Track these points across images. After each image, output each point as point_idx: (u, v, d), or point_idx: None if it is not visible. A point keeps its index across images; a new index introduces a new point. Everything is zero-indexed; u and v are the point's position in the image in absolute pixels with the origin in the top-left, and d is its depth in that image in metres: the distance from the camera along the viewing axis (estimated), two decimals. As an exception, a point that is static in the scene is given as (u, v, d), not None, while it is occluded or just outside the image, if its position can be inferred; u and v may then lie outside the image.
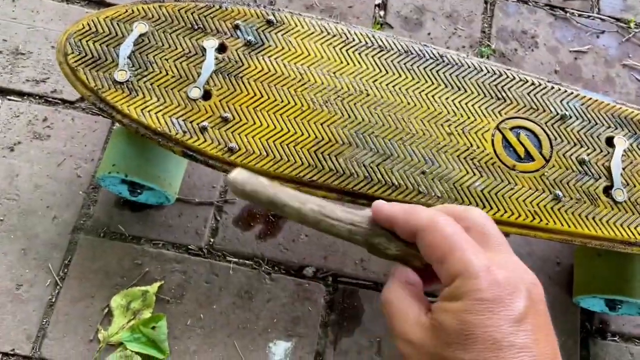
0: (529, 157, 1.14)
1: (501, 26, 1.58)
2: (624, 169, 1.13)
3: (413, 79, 1.16)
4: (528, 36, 1.58)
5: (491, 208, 1.07)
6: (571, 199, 1.10)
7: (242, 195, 0.54)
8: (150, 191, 1.24)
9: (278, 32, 1.16)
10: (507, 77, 1.19)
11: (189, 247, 1.26)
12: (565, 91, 1.20)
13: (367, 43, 1.18)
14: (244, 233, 1.29)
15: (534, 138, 1.16)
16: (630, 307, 1.23)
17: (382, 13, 1.56)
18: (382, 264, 1.33)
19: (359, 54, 1.17)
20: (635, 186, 1.10)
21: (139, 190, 1.23)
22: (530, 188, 1.10)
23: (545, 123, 1.16)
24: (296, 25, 1.18)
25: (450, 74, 1.18)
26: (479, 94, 1.16)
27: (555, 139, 1.15)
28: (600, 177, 1.13)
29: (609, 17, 1.62)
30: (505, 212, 1.07)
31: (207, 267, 1.25)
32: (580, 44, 1.59)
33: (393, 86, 1.15)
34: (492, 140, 1.14)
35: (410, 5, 1.57)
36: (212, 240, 1.27)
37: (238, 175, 0.53)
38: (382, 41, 1.19)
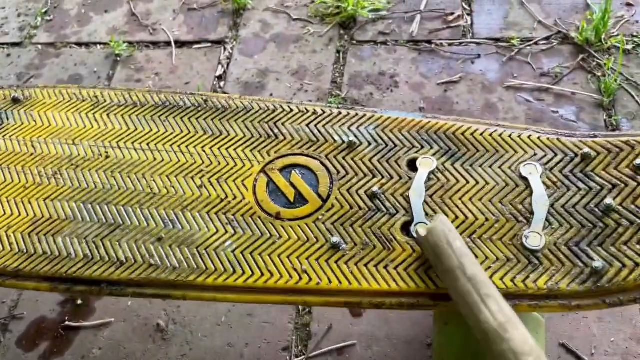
0: (302, 200, 0.87)
1: (354, 72, 1.37)
2: (431, 195, 0.83)
3: (166, 131, 0.96)
4: (386, 77, 1.36)
5: (243, 272, 0.79)
6: (355, 245, 0.81)
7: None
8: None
9: (22, 108, 1.03)
10: (283, 110, 0.96)
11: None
12: (356, 115, 0.95)
13: (119, 102, 1.01)
14: (26, 355, 1.07)
15: (311, 176, 0.90)
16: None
17: (221, 84, 1.41)
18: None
19: (108, 114, 0.99)
20: (447, 216, 0.78)
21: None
22: (299, 239, 0.82)
23: (327, 156, 0.90)
24: (43, 98, 1.05)
25: (212, 119, 0.97)
26: (244, 136, 0.94)
27: (338, 172, 0.89)
28: (397, 212, 0.83)
29: (486, 39, 1.38)
30: (262, 274, 0.78)
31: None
32: (451, 74, 1.34)
33: (140, 143, 0.95)
34: (254, 187, 0.89)
35: (253, 70, 1.42)
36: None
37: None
38: (137, 97, 1.02)
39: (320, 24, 1.42)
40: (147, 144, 0.88)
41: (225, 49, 1.41)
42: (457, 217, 0.75)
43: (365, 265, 0.73)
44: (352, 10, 1.39)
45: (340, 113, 0.88)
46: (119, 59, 1.44)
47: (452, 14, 1.37)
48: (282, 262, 0.74)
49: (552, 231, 0.73)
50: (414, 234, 0.74)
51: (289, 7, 1.47)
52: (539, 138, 0.81)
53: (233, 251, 0.76)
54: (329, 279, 0.72)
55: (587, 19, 1.28)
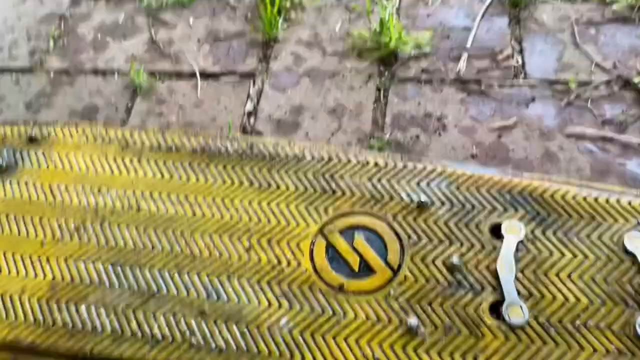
0: (368, 269, 0.76)
1: (397, 112, 1.28)
2: (522, 271, 0.73)
3: (206, 181, 0.86)
4: (433, 119, 1.27)
5: (302, 357, 0.68)
6: (435, 329, 0.69)
7: None
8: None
9: (39, 149, 0.92)
10: (340, 161, 0.86)
11: None
12: (424, 168, 0.85)
13: (152, 145, 0.91)
14: None
15: (377, 241, 0.79)
16: None
17: (251, 120, 1.32)
18: None
19: (139, 159, 0.89)
20: (542, 296, 0.70)
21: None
22: (367, 319, 0.71)
23: (394, 216, 0.80)
24: (64, 137, 0.94)
25: (259, 169, 0.87)
26: (297, 189, 0.83)
27: (409, 237, 0.78)
28: (483, 289, 0.72)
29: (540, 80, 1.30)
30: None
31: None
32: (504, 117, 1.25)
33: (177, 195, 0.85)
34: (312, 252, 0.78)
35: (285, 106, 1.32)
36: None
37: None
38: (172, 140, 0.92)
39: (357, 59, 1.33)
40: (185, 196, 0.78)
41: (254, 82, 1.32)
42: (554, 298, 0.65)
43: (451, 354, 0.62)
44: (394, 45, 1.30)
45: (405, 167, 0.78)
46: (139, 89, 1.34)
47: (501, 52, 1.29)
48: (349, 346, 0.64)
49: (670, 319, 0.62)
50: (506, 317, 0.64)
51: (323, 40, 1.39)
52: (629, 203, 0.71)
53: (290, 331, 0.65)
54: (407, 370, 0.62)
55: (651, 62, 1.20)
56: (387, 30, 1.32)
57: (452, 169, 0.77)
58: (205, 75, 1.38)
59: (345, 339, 0.64)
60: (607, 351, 0.61)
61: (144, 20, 1.53)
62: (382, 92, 1.28)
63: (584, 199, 0.72)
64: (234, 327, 0.66)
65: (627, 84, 1.22)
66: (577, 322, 0.63)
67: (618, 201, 0.72)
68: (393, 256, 0.70)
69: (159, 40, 1.47)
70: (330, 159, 0.80)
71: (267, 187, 0.78)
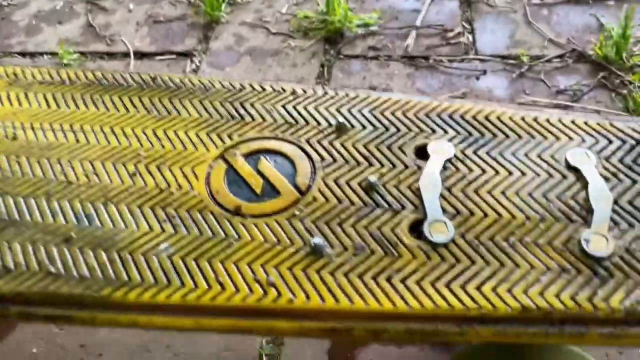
0: (272, 192, 0.66)
1: (340, 86, 1.22)
2: (449, 189, 0.63)
3: (98, 111, 0.76)
4: (378, 91, 1.20)
5: (182, 285, 0.56)
6: (345, 250, 0.59)
7: None
8: None
9: None
10: (253, 90, 0.77)
11: None
12: (346, 95, 0.77)
13: (43, 79, 0.81)
14: None
15: (286, 164, 0.69)
16: None
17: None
18: None
19: (26, 93, 0.79)
20: (471, 214, 0.54)
21: None
22: (265, 241, 0.60)
23: (308, 140, 0.71)
24: None
25: (159, 98, 0.77)
26: (200, 117, 0.74)
27: (323, 160, 0.69)
28: (403, 208, 0.62)
29: (491, 56, 1.25)
30: (210, 287, 0.55)
31: None
32: (452, 90, 1.19)
33: (60, 124, 0.75)
34: (208, 176, 0.68)
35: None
36: None
37: None
38: (67, 75, 0.82)
39: (302, 38, 1.27)
40: (70, 125, 0.68)
41: (192, 61, 1.24)
42: (486, 215, 0.55)
43: (360, 276, 0.51)
44: (339, 24, 1.25)
45: (326, 94, 0.69)
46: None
47: (452, 30, 1.23)
48: (239, 271, 0.53)
49: (620, 233, 0.53)
50: (427, 234, 0.53)
51: (268, 22, 1.33)
52: (585, 123, 0.63)
53: (170, 256, 0.54)
54: (306, 294, 0.50)
55: (606, 35, 1.15)
56: (334, 10, 1.27)
57: (377, 95, 0.68)
58: (140, 55, 1.31)
59: (236, 263, 0.53)
60: (548, 268, 0.50)
61: (83, 6, 1.46)
62: (325, 68, 1.21)
63: (522, 118, 0.64)
64: (103, 254, 0.55)
65: (581, 56, 1.17)
66: (512, 239, 0.53)
67: (560, 120, 0.63)
68: (302, 179, 0.60)
69: (95, 25, 1.40)
70: (242, 88, 0.71)
71: (166, 115, 0.68)
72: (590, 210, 0.54)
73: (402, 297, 0.50)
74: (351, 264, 0.52)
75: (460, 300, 0.49)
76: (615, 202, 0.55)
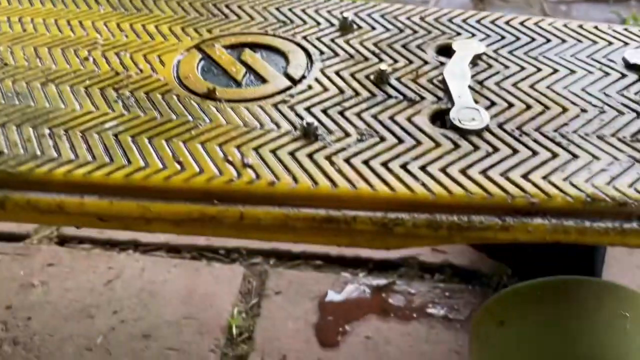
0: (256, 79, 0.53)
1: None
2: (480, 82, 0.51)
3: (55, 7, 0.64)
4: None
5: (129, 163, 0.43)
6: (346, 136, 0.46)
7: None
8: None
9: None
10: None
11: None
12: (353, 1, 0.66)
13: None
14: None
15: (276, 56, 0.56)
16: None
17: None
18: None
19: None
20: (509, 105, 0.42)
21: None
22: (245, 125, 0.46)
23: (305, 37, 0.59)
24: None
25: None
26: (175, 13, 0.61)
27: (322, 53, 0.56)
28: (423, 99, 0.50)
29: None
30: (165, 167, 0.42)
31: None
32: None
33: (7, 17, 0.63)
34: (178, 63, 0.55)
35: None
36: None
37: None
38: None
39: None
40: (19, 18, 0.57)
41: None
42: (529, 107, 0.44)
43: (366, 162, 0.39)
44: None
45: None
46: None
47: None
48: (206, 151, 0.40)
49: None
50: (455, 122, 0.41)
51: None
52: (626, 29, 0.53)
53: (116, 134, 0.42)
54: (294, 177, 0.38)
55: (632, 24, 1.08)
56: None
57: (389, 3, 0.58)
58: None
59: (203, 143, 0.41)
60: (616, 159, 0.38)
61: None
62: None
63: (565, 25, 0.54)
64: (30, 129, 0.42)
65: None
66: (565, 129, 0.41)
67: (610, 27, 0.53)
68: (295, 69, 0.49)
69: None
70: (229, -6, 0.61)
71: (135, 12, 0.58)
72: (664, 103, 0.43)
73: (423, 184, 0.37)
74: (354, 150, 0.40)
75: (501, 188, 0.37)
76: (695, 97, 0.44)
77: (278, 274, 0.66)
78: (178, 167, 0.39)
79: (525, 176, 0.37)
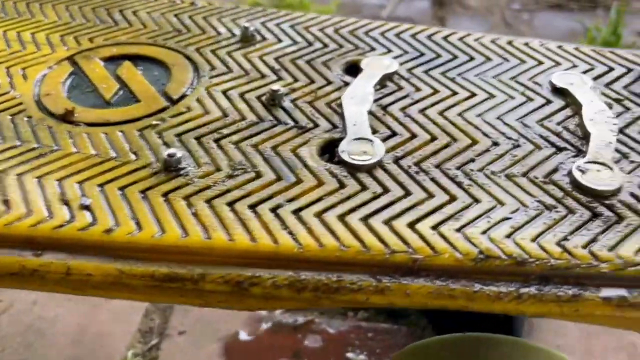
0: (128, 98, 0.47)
1: None
2: (384, 106, 0.45)
3: None
4: None
5: None
6: (217, 171, 0.40)
7: None
8: None
9: None
10: None
11: None
12: (263, 10, 0.60)
13: None
14: None
15: (159, 70, 0.51)
16: None
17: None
18: None
19: None
20: (412, 136, 0.37)
21: None
22: (97, 155, 0.40)
23: (199, 49, 0.53)
24: None
25: (14, 3, 0.60)
26: (59, 19, 0.55)
27: (213, 68, 0.51)
28: (315, 126, 0.43)
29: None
30: None
31: None
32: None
33: None
34: (43, 77, 0.49)
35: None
36: None
37: None
38: None
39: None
40: None
41: None
42: (434, 139, 0.38)
43: (230, 204, 0.33)
44: (294, 9, 1.11)
45: (237, 7, 0.53)
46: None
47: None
48: (41, 187, 0.34)
49: (633, 165, 0.36)
50: (344, 156, 0.36)
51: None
52: (576, 49, 0.48)
53: (-58, 165, 0.35)
54: (137, 223, 0.32)
55: (594, 35, 1.04)
56: (290, -3, 1.14)
57: (302, 14, 0.53)
58: None
59: (40, 177, 0.35)
60: (522, 204, 0.33)
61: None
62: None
63: (493, 41, 0.48)
64: None
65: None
66: (471, 166, 0.36)
67: (542, 44, 0.48)
68: (176, 86, 0.43)
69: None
70: (126, -3, 0.55)
71: (13, 17, 0.51)
72: (585, 136, 0.38)
73: (290, 233, 0.31)
74: (220, 188, 0.34)
75: (381, 240, 0.31)
76: (621, 131, 0.39)
77: (184, 311, 0.60)
78: (2, 207, 0.33)
79: (412, 225, 0.32)
